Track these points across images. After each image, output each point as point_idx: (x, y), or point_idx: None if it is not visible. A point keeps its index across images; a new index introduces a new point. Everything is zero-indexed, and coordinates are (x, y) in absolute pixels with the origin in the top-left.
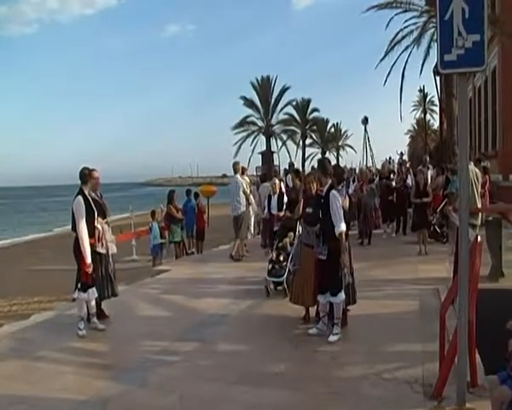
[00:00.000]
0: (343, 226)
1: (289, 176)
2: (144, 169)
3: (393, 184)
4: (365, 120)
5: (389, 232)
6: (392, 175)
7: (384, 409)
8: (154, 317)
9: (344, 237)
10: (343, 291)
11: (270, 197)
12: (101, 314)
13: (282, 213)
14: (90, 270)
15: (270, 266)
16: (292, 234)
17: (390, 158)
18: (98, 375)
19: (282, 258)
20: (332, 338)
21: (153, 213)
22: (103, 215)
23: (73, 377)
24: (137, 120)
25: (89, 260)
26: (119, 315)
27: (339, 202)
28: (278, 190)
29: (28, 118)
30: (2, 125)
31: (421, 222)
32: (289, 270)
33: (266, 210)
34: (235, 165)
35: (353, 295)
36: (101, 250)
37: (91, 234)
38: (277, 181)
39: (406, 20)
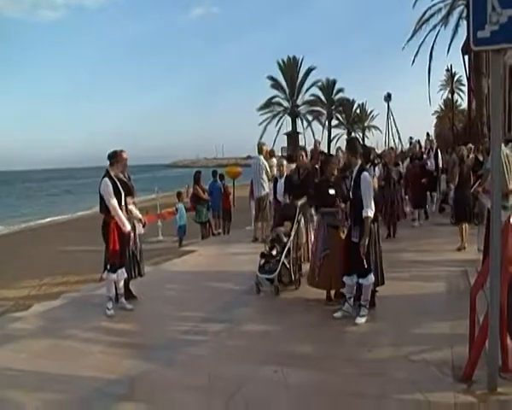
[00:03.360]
0: (370, 212)
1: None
2: (170, 151)
3: (428, 164)
4: (388, 97)
5: (419, 221)
6: (424, 156)
7: (412, 391)
8: (181, 297)
9: (369, 221)
10: (372, 273)
11: (276, 181)
12: (129, 295)
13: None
14: (129, 231)
15: (263, 261)
16: (289, 223)
17: (411, 138)
18: (126, 354)
19: (274, 252)
20: (359, 320)
21: (179, 194)
22: (131, 196)
23: (102, 355)
24: (163, 102)
25: (128, 227)
26: (147, 295)
27: (371, 185)
28: (286, 172)
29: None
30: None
31: (466, 213)
32: (284, 264)
33: (271, 196)
34: (260, 145)
35: (381, 276)
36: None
37: None
38: (285, 162)
39: None
